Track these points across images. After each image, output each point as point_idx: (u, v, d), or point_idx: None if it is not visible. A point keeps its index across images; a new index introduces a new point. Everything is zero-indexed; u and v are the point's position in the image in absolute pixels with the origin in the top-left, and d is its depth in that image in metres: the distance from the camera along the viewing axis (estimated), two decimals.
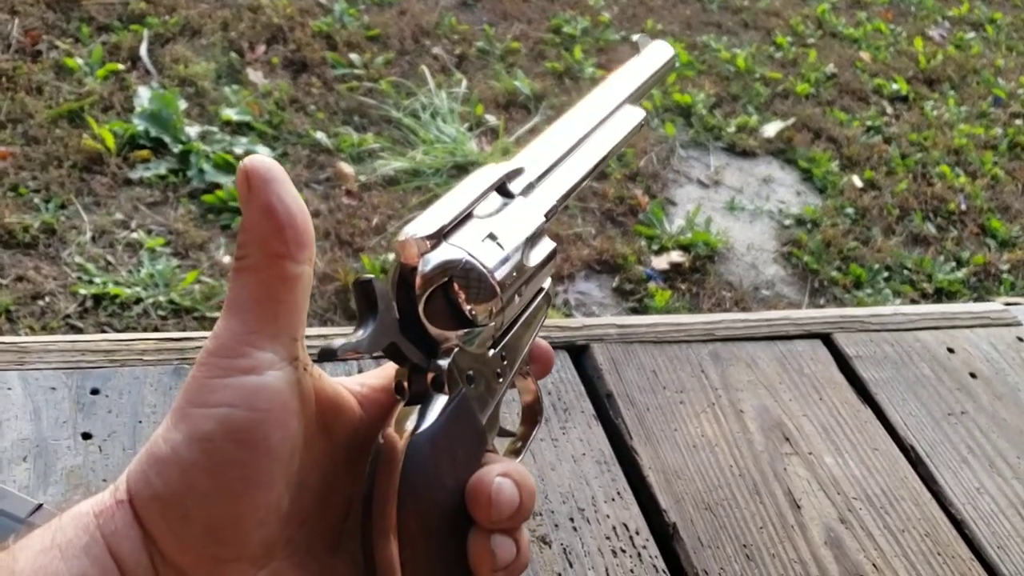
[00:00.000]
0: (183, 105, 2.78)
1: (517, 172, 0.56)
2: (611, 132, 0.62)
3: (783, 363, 1.00)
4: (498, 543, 0.48)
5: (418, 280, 0.48)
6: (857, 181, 3.19)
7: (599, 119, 0.62)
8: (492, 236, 0.52)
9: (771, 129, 3.35)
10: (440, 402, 0.49)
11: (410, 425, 0.48)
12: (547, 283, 0.57)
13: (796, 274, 2.80)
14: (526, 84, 3.25)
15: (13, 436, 0.77)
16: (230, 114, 2.81)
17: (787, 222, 2.96)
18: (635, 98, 0.65)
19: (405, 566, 0.47)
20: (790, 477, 0.88)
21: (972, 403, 1.00)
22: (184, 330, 2.15)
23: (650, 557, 0.79)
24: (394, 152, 2.84)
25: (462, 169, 2.77)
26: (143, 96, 2.73)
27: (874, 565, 0.81)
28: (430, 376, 0.50)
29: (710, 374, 0.97)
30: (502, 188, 0.54)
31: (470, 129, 2.99)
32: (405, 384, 0.50)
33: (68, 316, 2.13)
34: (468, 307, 0.50)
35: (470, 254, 0.50)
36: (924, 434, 0.95)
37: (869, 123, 3.50)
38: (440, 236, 0.49)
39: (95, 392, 0.81)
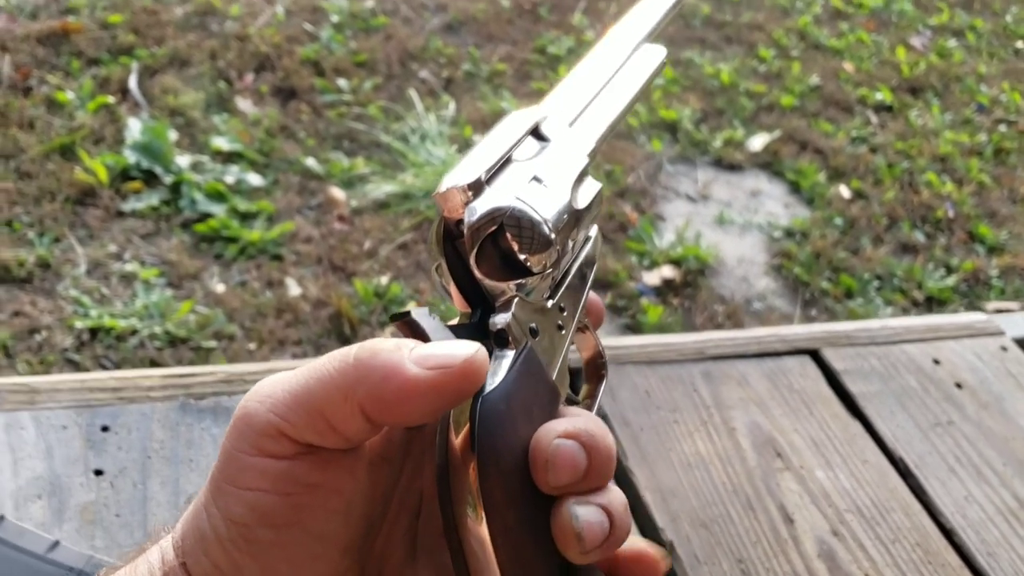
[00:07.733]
0: (173, 136, 2.80)
1: (548, 115, 0.52)
2: (635, 72, 0.59)
3: (773, 380, 1.02)
4: (578, 513, 0.41)
5: (466, 232, 0.45)
6: (845, 191, 3.22)
7: (620, 61, 0.58)
8: (537, 179, 0.48)
9: (757, 142, 3.38)
10: (507, 358, 0.44)
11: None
12: (594, 230, 0.54)
13: (787, 286, 2.82)
14: (513, 105, 3.27)
15: (28, 475, 0.79)
16: (220, 143, 2.83)
17: (776, 234, 2.99)
18: (652, 37, 0.61)
19: (496, 538, 0.41)
20: (783, 492, 0.90)
21: (958, 413, 1.02)
22: (180, 360, 2.17)
23: None
24: (384, 176, 2.86)
25: None
26: (134, 128, 2.75)
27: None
28: (493, 331, 0.45)
29: (702, 393, 0.99)
30: (536, 132, 0.51)
31: (459, 151, 3.02)
32: None
33: (65, 350, 2.15)
34: (523, 255, 0.46)
35: (518, 198, 0.46)
36: (912, 445, 0.98)
37: (855, 133, 3.53)
38: (482, 183, 0.46)
39: (105, 429, 0.83)
